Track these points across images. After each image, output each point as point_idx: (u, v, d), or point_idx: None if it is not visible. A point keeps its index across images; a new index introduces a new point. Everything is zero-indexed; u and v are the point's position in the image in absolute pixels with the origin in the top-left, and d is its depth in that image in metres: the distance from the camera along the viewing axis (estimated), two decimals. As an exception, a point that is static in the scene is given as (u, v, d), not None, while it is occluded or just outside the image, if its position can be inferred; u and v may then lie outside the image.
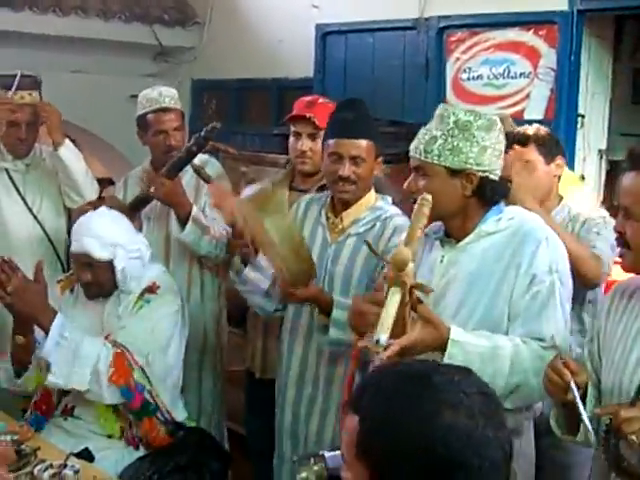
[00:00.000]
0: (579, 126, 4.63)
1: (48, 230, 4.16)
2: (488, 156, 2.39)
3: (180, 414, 3.25)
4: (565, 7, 4.48)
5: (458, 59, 4.94)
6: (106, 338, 3.13)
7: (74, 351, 3.02)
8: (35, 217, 4.14)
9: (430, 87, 5.04)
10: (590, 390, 2.14)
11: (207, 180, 3.77)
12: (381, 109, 5.24)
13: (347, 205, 3.10)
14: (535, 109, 4.64)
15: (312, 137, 3.56)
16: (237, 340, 4.43)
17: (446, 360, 2.25)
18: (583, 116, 4.64)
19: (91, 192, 4.12)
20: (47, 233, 4.15)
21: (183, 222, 3.67)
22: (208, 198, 3.84)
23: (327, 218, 3.15)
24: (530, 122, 4.45)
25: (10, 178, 4.15)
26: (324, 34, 5.56)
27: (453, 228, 2.52)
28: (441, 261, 2.52)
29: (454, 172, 2.40)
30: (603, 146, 4.79)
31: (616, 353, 2.14)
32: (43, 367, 3.13)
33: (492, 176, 2.42)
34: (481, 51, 4.84)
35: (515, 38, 4.69)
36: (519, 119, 4.58)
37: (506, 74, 4.74)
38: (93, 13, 6.21)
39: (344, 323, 2.74)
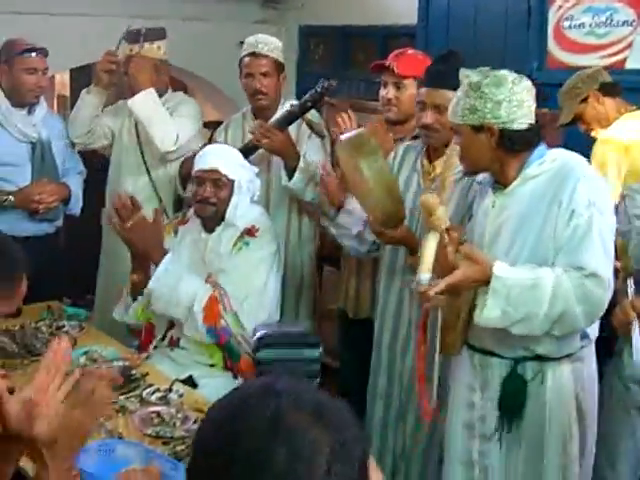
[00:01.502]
0: (680, 75, 4.58)
1: (154, 177, 4.41)
2: (504, 109, 2.55)
3: None
4: (672, -47, 4.42)
5: (560, 7, 4.91)
6: (208, 279, 3.37)
7: (174, 284, 3.32)
8: (145, 164, 4.41)
9: (532, 35, 5.03)
10: None
11: (319, 134, 3.95)
12: (483, 58, 5.25)
13: (440, 152, 3.22)
14: (637, 58, 4.59)
15: (396, 86, 3.68)
16: (333, 278, 4.62)
17: (490, 293, 2.45)
18: (685, 64, 4.59)
19: (166, 143, 4.23)
20: (152, 180, 4.41)
21: (291, 171, 3.87)
22: (309, 148, 4.02)
23: (422, 165, 3.29)
24: (632, 71, 4.51)
25: (136, 127, 4.41)
26: (428, -18, 5.59)
27: (498, 176, 2.70)
28: (493, 206, 2.70)
29: (476, 128, 2.60)
30: None
31: None
32: (149, 302, 3.42)
33: (515, 126, 2.57)
34: (584, -1, 4.82)
35: (619, -15, 4.65)
36: (620, 68, 4.59)
37: (609, 22, 4.70)
38: (204, -37, 6.38)
39: None
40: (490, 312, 2.48)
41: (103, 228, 4.61)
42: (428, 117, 3.14)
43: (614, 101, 4.18)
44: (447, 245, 2.50)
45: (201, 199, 3.44)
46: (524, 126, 2.58)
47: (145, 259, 3.41)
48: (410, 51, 3.87)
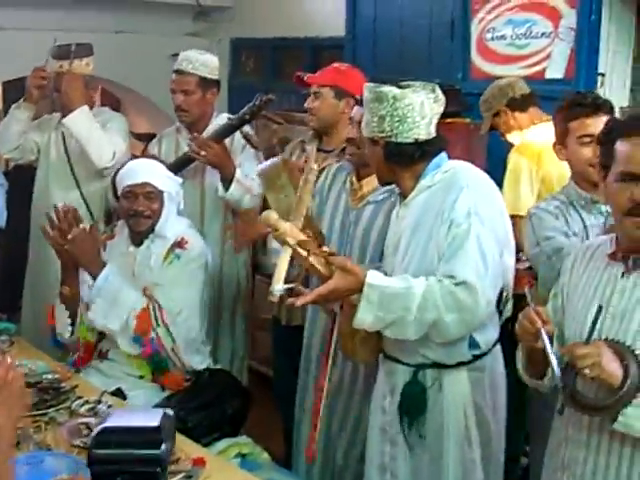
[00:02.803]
0: (599, 84, 4.73)
1: (85, 192, 4.43)
2: (387, 123, 2.64)
3: (200, 364, 3.50)
4: (585, -33, 4.58)
5: (482, 19, 5.07)
6: (145, 291, 3.41)
7: (115, 294, 3.35)
8: (75, 179, 4.42)
9: (455, 47, 5.19)
10: (554, 343, 2.31)
11: (255, 146, 4.02)
12: (409, 68, 5.42)
13: (369, 171, 3.26)
14: (556, 68, 4.76)
15: (315, 95, 3.83)
16: (265, 287, 4.67)
17: (363, 301, 2.54)
18: (603, 74, 4.74)
19: (102, 160, 4.28)
20: (83, 195, 4.42)
21: (227, 182, 3.92)
22: (245, 159, 4.08)
23: (351, 183, 3.36)
24: (551, 81, 4.66)
25: (63, 140, 4.43)
26: (355, -6, 5.71)
27: (400, 187, 2.79)
28: (397, 216, 2.81)
29: (372, 141, 2.72)
30: (625, 103, 4.89)
31: (578, 305, 2.32)
32: (85, 314, 3.44)
33: (398, 139, 2.66)
34: (505, 11, 4.97)
35: (537, -2, 4.81)
36: (540, 79, 4.74)
37: (528, 34, 4.87)
38: (135, -26, 6.41)
39: None
40: (362, 315, 2.57)
41: (30, 240, 4.61)
42: (351, 131, 3.22)
43: (527, 114, 4.31)
44: (307, 257, 2.59)
45: (135, 213, 3.48)
46: (408, 140, 2.66)
47: (75, 271, 3.44)
48: (335, 65, 3.97)
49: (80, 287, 3.47)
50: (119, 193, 3.55)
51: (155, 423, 2.58)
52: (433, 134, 2.68)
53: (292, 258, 2.66)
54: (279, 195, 3.06)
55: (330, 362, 2.90)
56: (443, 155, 2.74)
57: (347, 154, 3.30)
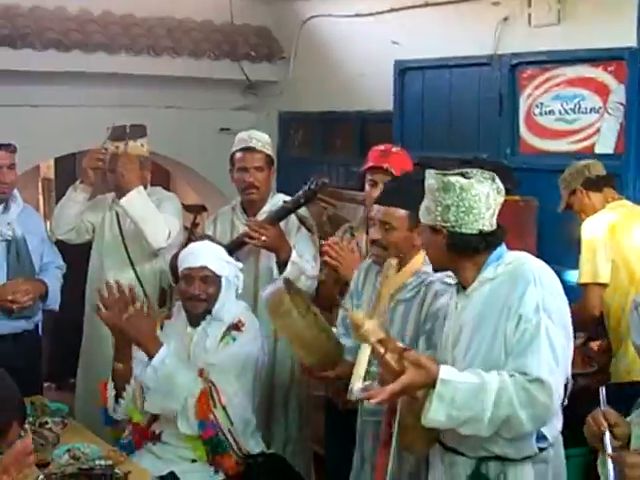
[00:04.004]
0: (649, 158, 4.72)
1: (139, 272, 4.48)
2: (452, 213, 2.62)
3: (255, 448, 3.50)
4: (634, 43, 4.58)
5: (530, 95, 5.08)
6: (201, 374, 3.42)
7: (171, 378, 3.35)
8: (129, 258, 4.48)
9: (504, 122, 5.19)
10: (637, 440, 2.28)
11: (310, 229, 4.04)
12: (457, 142, 5.45)
13: (395, 271, 3.25)
14: (605, 143, 4.75)
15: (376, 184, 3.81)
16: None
17: (435, 396, 2.49)
18: (653, 148, 4.73)
19: (159, 240, 4.33)
20: (138, 275, 4.47)
21: (283, 264, 3.95)
22: (299, 241, 4.13)
23: (380, 284, 3.31)
24: (600, 156, 4.65)
25: (117, 220, 4.51)
26: (402, 69, 5.75)
27: (458, 277, 2.77)
28: (455, 307, 2.77)
29: (432, 229, 2.70)
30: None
31: None
32: (138, 397, 3.46)
33: (463, 230, 2.64)
34: (552, 87, 4.97)
35: (585, 74, 4.81)
36: (589, 153, 4.72)
37: (577, 109, 4.86)
38: (185, 53, 6.54)
39: None
40: (435, 414, 2.52)
41: (85, 318, 4.66)
42: (375, 233, 3.22)
43: (601, 194, 4.35)
44: (384, 355, 2.57)
45: (191, 296, 3.52)
46: (473, 231, 2.64)
47: (129, 348, 3.46)
48: (394, 149, 4.01)
49: (133, 364, 3.49)
50: (179, 275, 3.58)
51: None
52: (495, 225, 2.68)
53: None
54: (285, 321, 3.04)
55: (392, 454, 2.84)
56: (503, 246, 2.73)
57: (372, 254, 3.29)
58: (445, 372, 2.52)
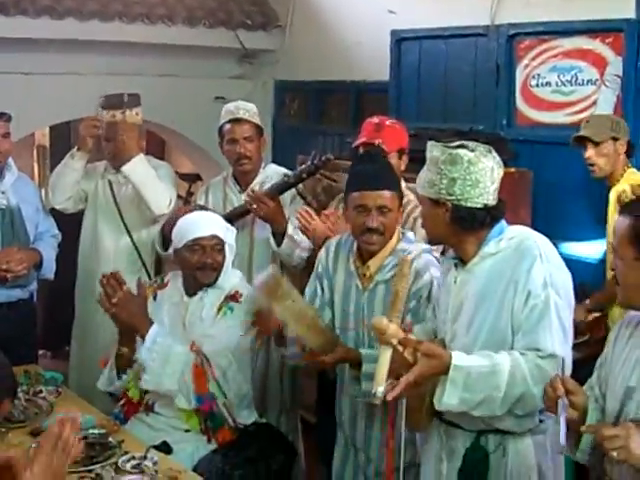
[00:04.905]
0: (645, 131, 4.70)
1: (136, 239, 4.47)
2: (458, 186, 2.61)
3: (248, 419, 3.51)
4: (632, 15, 4.54)
5: (527, 65, 5.05)
6: (192, 346, 3.42)
7: (164, 357, 3.35)
8: (125, 226, 4.46)
9: (500, 93, 5.16)
10: (593, 413, 2.31)
11: (309, 203, 4.05)
12: (453, 113, 5.43)
13: (372, 252, 3.27)
14: (602, 115, 4.73)
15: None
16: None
17: (448, 382, 2.50)
18: (650, 121, 4.71)
19: (161, 206, 4.35)
20: (134, 242, 4.46)
21: (280, 237, 3.97)
22: (294, 211, 4.08)
23: (356, 267, 3.33)
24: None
25: (111, 189, 4.49)
26: (399, 40, 5.72)
27: (458, 252, 2.76)
28: (455, 282, 2.76)
29: (434, 202, 2.68)
30: (672, 150, 4.85)
31: (617, 380, 2.30)
32: (138, 374, 3.45)
33: (468, 204, 2.63)
34: (550, 58, 4.94)
35: (582, 46, 4.78)
36: (586, 125, 4.71)
37: (574, 81, 4.84)
38: (179, 21, 6.51)
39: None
40: (449, 399, 2.53)
41: (77, 288, 4.66)
42: (374, 220, 3.17)
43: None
44: (403, 352, 2.57)
45: (204, 266, 3.52)
46: (478, 205, 2.63)
47: (132, 332, 3.46)
48: (387, 122, 3.95)
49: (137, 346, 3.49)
50: (180, 245, 3.57)
51: None
52: (497, 199, 2.68)
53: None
54: (285, 303, 3.01)
55: (404, 445, 2.84)
56: (503, 221, 2.73)
57: (366, 242, 3.23)
58: (457, 358, 2.53)
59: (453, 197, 2.63)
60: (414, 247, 3.23)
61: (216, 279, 3.56)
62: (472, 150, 2.63)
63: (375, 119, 3.96)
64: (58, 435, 2.17)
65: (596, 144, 4.12)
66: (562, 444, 2.16)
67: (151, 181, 4.35)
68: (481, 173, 2.62)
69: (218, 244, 3.53)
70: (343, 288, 3.36)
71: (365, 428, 3.37)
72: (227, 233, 3.61)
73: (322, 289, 3.45)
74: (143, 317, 3.42)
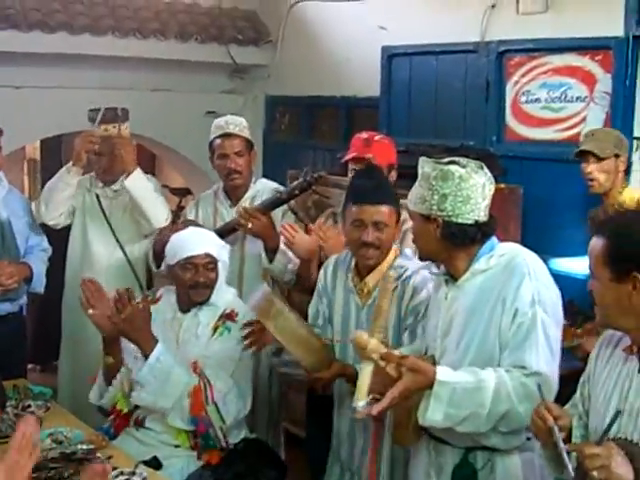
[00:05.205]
0: (635, 148, 4.72)
1: (129, 253, 4.45)
2: (449, 202, 2.62)
3: (238, 437, 3.50)
4: (620, 33, 4.58)
5: (517, 82, 5.09)
6: (194, 368, 3.41)
7: (165, 377, 3.34)
8: (117, 240, 4.44)
9: (490, 109, 5.20)
10: (577, 431, 2.32)
11: (301, 220, 4.06)
12: (443, 129, 5.46)
13: (370, 268, 3.27)
14: (591, 132, 4.75)
15: None
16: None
17: (433, 397, 2.51)
18: (639, 139, 4.73)
19: (160, 219, 4.36)
20: (127, 256, 4.45)
21: (272, 253, 3.97)
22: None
23: (354, 284, 3.33)
24: (585, 145, 4.64)
25: (99, 203, 4.47)
26: (390, 55, 5.76)
27: (449, 268, 2.76)
28: (445, 298, 2.76)
29: (425, 217, 2.68)
30: (660, 167, 4.88)
31: (599, 399, 2.31)
32: (126, 385, 3.45)
33: (459, 220, 2.63)
34: (539, 75, 4.98)
35: (572, 63, 4.82)
36: (575, 142, 4.72)
37: (563, 98, 4.87)
38: (171, 35, 6.53)
39: None
40: (433, 415, 2.54)
41: (63, 304, 4.63)
42: (370, 235, 3.16)
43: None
44: (385, 368, 2.58)
45: (196, 284, 3.51)
46: (469, 221, 2.64)
47: (118, 342, 3.46)
48: (377, 137, 3.98)
49: (124, 355, 3.49)
50: (172, 262, 3.57)
51: None
52: (488, 216, 2.69)
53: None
54: (277, 322, 3.01)
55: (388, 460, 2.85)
56: (494, 238, 2.73)
57: (363, 257, 3.23)
58: (442, 373, 2.53)
59: (444, 213, 2.64)
60: (412, 264, 3.23)
61: (209, 297, 3.56)
62: (463, 166, 2.64)
63: (364, 134, 3.98)
64: (21, 436, 2.19)
65: (599, 159, 4.06)
66: (569, 469, 2.14)
67: (150, 195, 4.36)
68: (472, 189, 2.63)
69: (211, 262, 3.52)
70: (343, 304, 3.36)
71: (364, 443, 3.33)
72: (221, 250, 3.60)
73: (323, 307, 3.45)
74: (149, 334, 3.40)
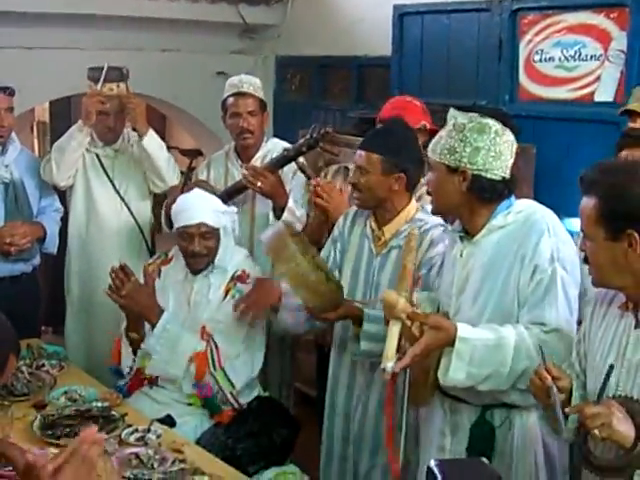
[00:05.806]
0: (651, 107, 4.67)
1: (134, 212, 4.44)
2: (482, 156, 2.59)
3: (250, 396, 3.53)
4: (637, -10, 4.53)
5: (530, 41, 5.01)
6: (203, 333, 3.43)
7: (173, 345, 3.39)
8: (122, 199, 4.42)
9: (503, 68, 5.13)
10: (577, 392, 2.32)
11: (309, 177, 4.04)
12: (455, 90, 5.40)
13: (388, 218, 3.27)
14: (605, 91, 4.68)
15: None
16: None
17: (454, 355, 2.50)
18: (654, 97, 4.69)
19: (173, 178, 4.39)
20: (134, 215, 4.43)
21: (280, 211, 3.95)
22: (295, 186, 4.12)
23: (372, 230, 3.33)
24: (600, 104, 4.61)
25: (100, 163, 4.44)
26: (401, 14, 5.68)
27: (466, 224, 2.74)
28: (460, 255, 2.75)
29: (451, 169, 2.64)
30: (675, 126, 4.83)
31: (596, 357, 2.31)
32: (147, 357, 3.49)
33: (488, 175, 2.61)
34: (553, 33, 4.90)
35: (586, 21, 4.74)
36: (589, 102, 4.69)
37: (577, 56, 4.80)
38: (181, -5, 6.46)
39: (374, 335, 3.00)
40: (455, 374, 2.53)
41: (66, 269, 4.60)
42: (352, 176, 3.23)
43: None
44: (411, 327, 2.57)
45: (192, 254, 3.52)
46: (497, 177, 2.62)
47: (139, 319, 3.49)
48: (407, 99, 4.10)
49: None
50: (174, 228, 3.58)
51: None
52: (511, 174, 2.67)
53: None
54: (289, 265, 2.97)
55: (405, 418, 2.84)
56: (511, 196, 2.72)
57: (352, 198, 3.28)
58: (463, 330, 2.52)
59: (474, 167, 2.61)
60: (432, 218, 3.20)
61: (207, 265, 3.55)
62: (497, 122, 2.63)
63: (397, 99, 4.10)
64: (84, 454, 1.88)
65: None
66: (563, 428, 2.17)
67: (164, 154, 4.37)
68: (505, 145, 2.62)
69: (207, 232, 3.50)
70: (357, 250, 3.35)
71: (360, 391, 3.34)
72: (220, 217, 3.57)
73: (335, 252, 3.44)
74: (152, 306, 3.45)
